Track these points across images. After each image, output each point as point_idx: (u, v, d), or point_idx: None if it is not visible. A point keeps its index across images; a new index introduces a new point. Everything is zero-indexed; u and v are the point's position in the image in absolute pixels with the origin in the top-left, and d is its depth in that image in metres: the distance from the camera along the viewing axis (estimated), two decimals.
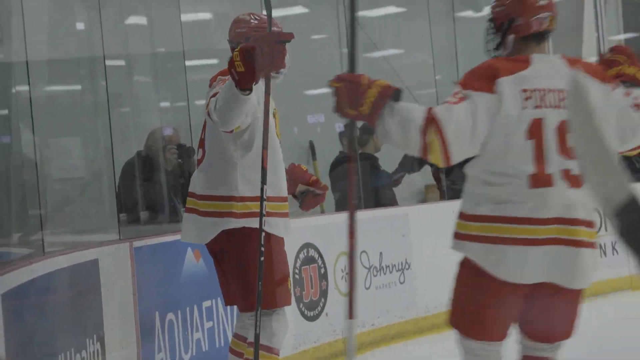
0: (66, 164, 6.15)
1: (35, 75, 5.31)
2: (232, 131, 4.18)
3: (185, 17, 7.43)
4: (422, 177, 8.85)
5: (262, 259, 4.21)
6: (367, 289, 6.77)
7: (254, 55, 3.83)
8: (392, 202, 8.13)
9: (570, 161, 3.35)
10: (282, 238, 4.50)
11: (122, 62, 7.09)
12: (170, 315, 5.22)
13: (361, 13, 9.40)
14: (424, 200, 8.90)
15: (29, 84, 4.99)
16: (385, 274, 6.96)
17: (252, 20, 4.51)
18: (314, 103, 9.23)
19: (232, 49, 4.35)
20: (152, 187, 6.20)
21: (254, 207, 4.32)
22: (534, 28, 3.53)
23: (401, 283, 7.05)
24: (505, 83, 3.38)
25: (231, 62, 3.89)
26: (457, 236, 3.58)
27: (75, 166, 6.25)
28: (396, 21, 10.21)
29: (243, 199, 4.39)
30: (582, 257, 3.42)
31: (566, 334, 3.59)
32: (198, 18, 8.33)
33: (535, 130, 3.39)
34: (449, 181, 8.45)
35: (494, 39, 3.63)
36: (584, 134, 2.06)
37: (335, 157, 8.20)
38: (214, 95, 4.11)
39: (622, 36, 11.04)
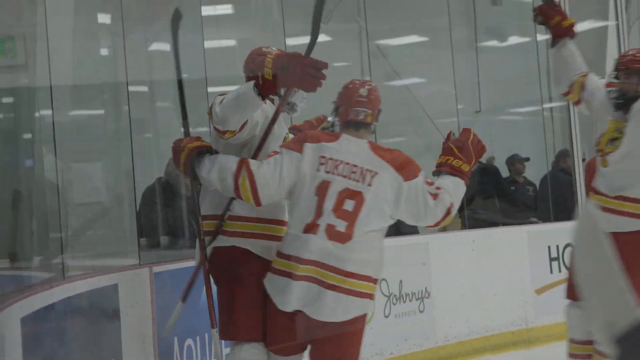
0: (88, 188, 6.18)
1: (59, 100, 5.35)
2: (225, 133, 4.13)
3: (209, 44, 7.48)
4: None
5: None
6: (386, 317, 6.76)
7: (285, 69, 3.92)
8: (413, 230, 8.12)
9: (339, 220, 4.10)
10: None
11: (145, 88, 7.14)
12: (188, 341, 5.22)
13: (384, 41, 9.45)
14: (444, 228, 8.88)
15: (52, 109, 5.03)
16: (404, 302, 6.94)
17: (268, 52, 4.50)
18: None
19: (247, 78, 4.40)
20: (172, 213, 6.21)
21: (246, 227, 4.32)
22: (350, 117, 4.27)
23: (420, 312, 7.03)
24: (309, 148, 4.17)
25: (260, 65, 3.99)
26: None
27: (97, 190, 6.28)
28: (418, 50, 10.24)
29: (240, 218, 4.34)
30: (327, 296, 4.07)
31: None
32: (221, 45, 8.37)
33: (321, 189, 4.13)
34: (470, 210, 8.44)
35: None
36: (594, 256, 2.00)
37: None
38: (221, 95, 4.14)
39: None
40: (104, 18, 6.25)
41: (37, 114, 5.25)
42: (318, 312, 4.10)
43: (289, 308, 4.10)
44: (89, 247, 5.82)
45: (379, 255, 4.22)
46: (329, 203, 4.11)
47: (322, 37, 9.50)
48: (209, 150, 4.21)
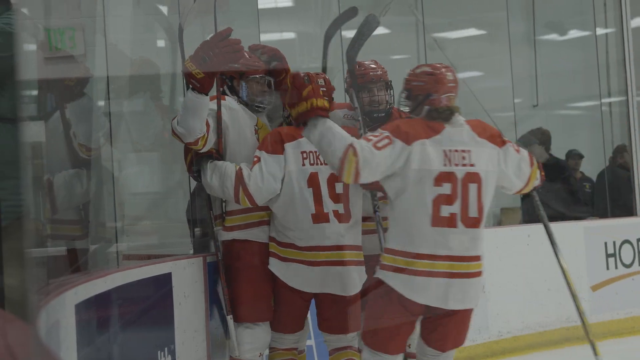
0: (144, 178, 6.24)
1: (116, 91, 5.41)
2: (196, 142, 4.44)
3: (268, 36, 7.51)
4: (497, 201, 8.80)
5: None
6: None
7: (208, 60, 4.22)
8: None
9: (338, 204, 4.57)
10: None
11: None
12: None
13: (441, 34, 9.40)
14: (499, 222, 8.83)
15: (108, 99, 5.08)
16: None
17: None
18: None
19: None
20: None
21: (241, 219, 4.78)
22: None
23: None
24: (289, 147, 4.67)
25: (189, 74, 4.28)
26: None
27: (152, 181, 6.34)
28: (476, 44, 10.17)
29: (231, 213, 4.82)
30: (349, 272, 4.59)
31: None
32: (282, 37, 8.41)
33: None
34: (526, 206, 8.38)
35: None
36: None
37: None
38: (174, 119, 4.46)
39: None
40: (161, 10, 6.30)
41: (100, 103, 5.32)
42: (343, 289, 4.63)
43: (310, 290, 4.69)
44: (144, 236, 5.88)
45: None
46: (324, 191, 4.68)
47: (380, 30, 9.51)
48: (211, 156, 4.63)
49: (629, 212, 8.55)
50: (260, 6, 7.49)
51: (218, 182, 4.59)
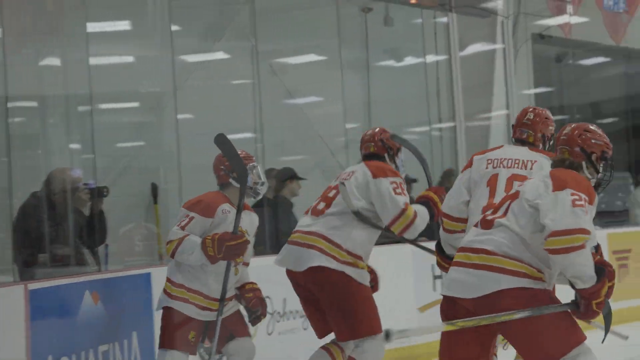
0: None
1: None
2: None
3: (101, 59, 7.48)
4: None
5: None
6: (269, 334, 6.80)
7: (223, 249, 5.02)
8: None
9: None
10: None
11: (34, 103, 7.11)
12: (64, 359, 5.18)
13: (282, 60, 9.52)
14: None
15: None
16: (288, 319, 6.99)
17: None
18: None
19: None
20: (54, 229, 6.18)
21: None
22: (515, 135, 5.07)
23: (304, 329, 7.07)
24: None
25: (204, 243, 5.01)
26: None
27: None
28: (315, 69, 10.33)
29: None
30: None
31: None
32: (121, 61, 8.37)
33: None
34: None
35: None
36: None
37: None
38: (182, 239, 5.04)
39: (532, 91, 11.29)
40: None
41: None
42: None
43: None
44: None
45: None
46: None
47: (218, 55, 9.52)
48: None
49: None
50: (94, 29, 7.46)
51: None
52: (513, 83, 9.35)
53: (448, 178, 9.49)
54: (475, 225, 4.14)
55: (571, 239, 3.80)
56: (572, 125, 4.22)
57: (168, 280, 5.19)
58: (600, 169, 4.16)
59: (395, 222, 5.12)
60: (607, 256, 9.00)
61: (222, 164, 5.21)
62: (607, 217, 11.09)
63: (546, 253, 3.88)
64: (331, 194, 5.27)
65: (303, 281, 5.24)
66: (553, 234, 3.81)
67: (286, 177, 8.19)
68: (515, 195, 4.08)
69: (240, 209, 5.07)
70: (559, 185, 3.93)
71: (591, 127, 4.21)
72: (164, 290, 5.18)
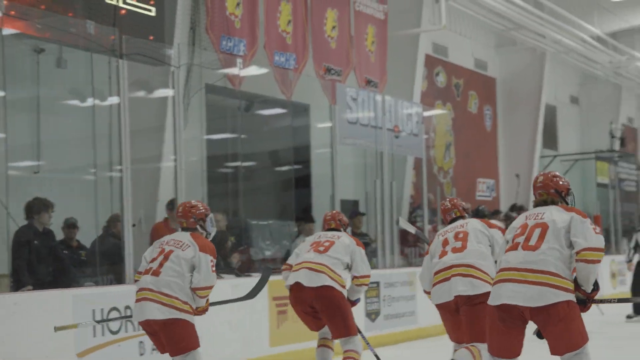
0: None
1: None
2: None
3: None
4: None
5: None
6: None
7: None
8: None
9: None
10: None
11: None
12: None
13: None
14: None
15: None
16: None
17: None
18: None
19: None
20: None
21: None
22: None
23: None
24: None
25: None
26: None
27: None
28: None
29: None
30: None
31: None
32: None
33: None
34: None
35: None
36: None
37: None
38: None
39: (205, 137, 11.52)
40: None
41: None
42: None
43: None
44: None
45: None
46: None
47: None
48: None
49: (119, 280, 8.77)
50: None
51: None
52: (181, 130, 9.49)
53: (114, 223, 9.45)
54: (512, 249, 5.66)
55: (599, 255, 5.50)
56: (543, 174, 5.90)
57: None
58: (568, 202, 5.86)
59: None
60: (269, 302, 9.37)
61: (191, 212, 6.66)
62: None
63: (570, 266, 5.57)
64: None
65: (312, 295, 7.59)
66: (588, 249, 5.48)
67: None
68: (543, 225, 5.62)
69: None
70: (580, 214, 5.61)
71: (556, 173, 5.90)
72: None
